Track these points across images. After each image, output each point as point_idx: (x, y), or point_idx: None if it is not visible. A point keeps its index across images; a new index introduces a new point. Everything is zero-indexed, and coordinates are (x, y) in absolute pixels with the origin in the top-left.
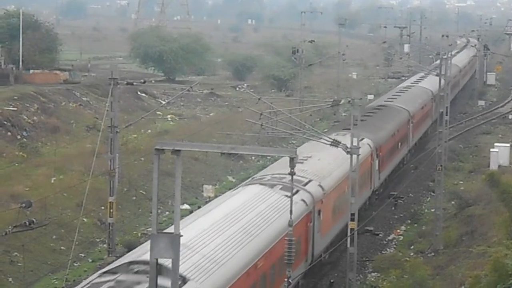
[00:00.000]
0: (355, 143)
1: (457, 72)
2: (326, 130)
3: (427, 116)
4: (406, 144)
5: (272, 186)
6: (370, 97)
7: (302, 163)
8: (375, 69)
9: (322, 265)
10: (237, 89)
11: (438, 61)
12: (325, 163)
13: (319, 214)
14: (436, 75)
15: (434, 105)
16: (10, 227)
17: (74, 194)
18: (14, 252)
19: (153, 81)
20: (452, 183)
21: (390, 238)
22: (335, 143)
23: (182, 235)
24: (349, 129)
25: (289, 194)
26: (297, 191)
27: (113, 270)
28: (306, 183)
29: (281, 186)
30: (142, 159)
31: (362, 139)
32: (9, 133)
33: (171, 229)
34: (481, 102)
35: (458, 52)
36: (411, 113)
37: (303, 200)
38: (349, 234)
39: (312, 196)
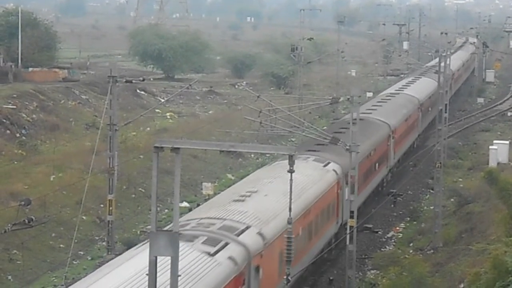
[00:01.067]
0: (353, 143)
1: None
2: (325, 127)
3: (412, 128)
4: (385, 164)
5: (191, 239)
6: (369, 94)
7: (242, 200)
8: (374, 66)
9: (322, 261)
10: (236, 86)
11: (431, 63)
12: (272, 200)
13: (257, 271)
14: (435, 73)
15: (420, 115)
16: (9, 225)
17: (73, 192)
18: (14, 250)
19: (152, 79)
20: (451, 181)
21: (389, 235)
22: (335, 141)
23: (181, 233)
24: (315, 150)
25: (211, 250)
26: (223, 246)
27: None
28: (240, 233)
29: (204, 239)
30: (141, 157)
31: (327, 163)
32: (8, 131)
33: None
34: (480, 100)
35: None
36: (392, 127)
37: (231, 258)
38: (348, 231)
39: (247, 250)
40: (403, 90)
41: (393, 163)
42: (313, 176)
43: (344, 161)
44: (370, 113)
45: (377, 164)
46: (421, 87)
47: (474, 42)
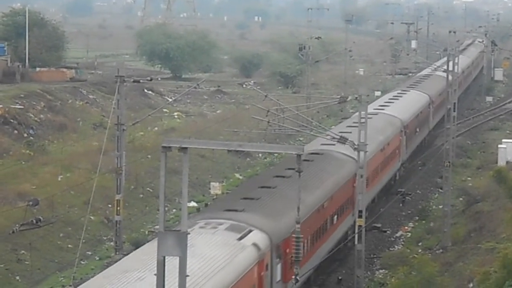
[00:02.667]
0: (362, 140)
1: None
2: (333, 127)
3: (392, 158)
4: (350, 211)
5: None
6: (378, 93)
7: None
8: (382, 65)
9: (331, 261)
10: (244, 86)
11: (421, 72)
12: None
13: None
14: (443, 71)
15: (404, 140)
16: (17, 225)
17: (81, 192)
18: (22, 250)
19: (159, 79)
20: (460, 180)
21: (398, 235)
22: (343, 140)
23: (189, 233)
24: (234, 209)
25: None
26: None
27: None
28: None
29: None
30: (149, 156)
31: (248, 232)
32: (15, 131)
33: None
34: (489, 98)
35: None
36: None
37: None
38: (356, 231)
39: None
40: (382, 110)
41: (364, 205)
42: (219, 259)
43: (280, 226)
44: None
45: (336, 216)
46: (406, 104)
47: (483, 41)
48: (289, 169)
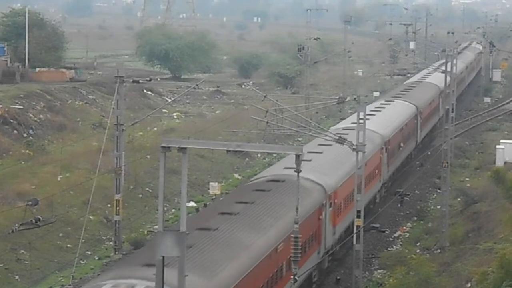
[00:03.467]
0: (361, 140)
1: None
2: (332, 127)
3: (371, 180)
4: (315, 248)
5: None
6: (376, 94)
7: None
8: (380, 66)
9: (329, 261)
10: (243, 86)
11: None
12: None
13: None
14: (442, 72)
15: (385, 158)
16: (16, 225)
17: (81, 192)
18: (21, 250)
19: (159, 79)
20: (458, 180)
21: (396, 235)
22: (341, 141)
23: (188, 233)
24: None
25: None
26: None
27: None
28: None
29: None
30: (148, 156)
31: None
32: (15, 131)
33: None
34: (487, 99)
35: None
36: (328, 190)
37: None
38: (355, 231)
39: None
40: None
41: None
42: None
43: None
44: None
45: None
46: (389, 117)
47: (481, 42)
48: (239, 202)
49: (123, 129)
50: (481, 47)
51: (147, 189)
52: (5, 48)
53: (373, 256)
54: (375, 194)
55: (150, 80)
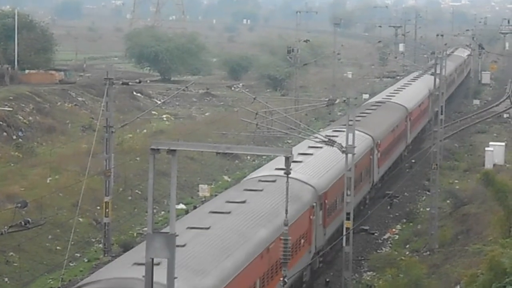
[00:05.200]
0: (350, 142)
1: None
2: (321, 129)
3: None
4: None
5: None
6: (365, 96)
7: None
8: (370, 68)
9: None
10: (233, 88)
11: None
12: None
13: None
14: (431, 74)
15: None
16: (5, 227)
17: (70, 194)
18: (10, 252)
19: (148, 81)
20: (447, 182)
21: (385, 237)
22: (331, 143)
23: (177, 235)
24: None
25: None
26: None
27: None
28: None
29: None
30: (138, 159)
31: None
32: (4, 133)
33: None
34: (476, 101)
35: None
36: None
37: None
38: (344, 233)
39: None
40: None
41: None
42: None
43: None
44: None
45: None
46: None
47: (470, 44)
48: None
49: (112, 131)
50: (466, 53)
51: (136, 191)
52: None
53: (362, 258)
54: (365, 195)
55: (140, 82)
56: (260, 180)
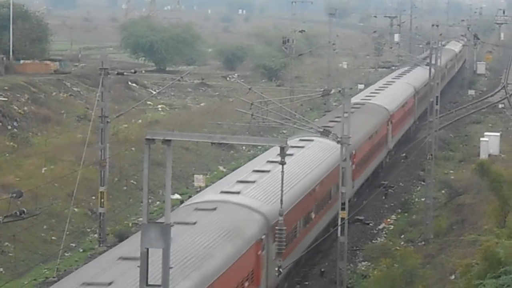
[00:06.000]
0: (345, 133)
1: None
2: (316, 119)
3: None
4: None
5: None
6: (361, 86)
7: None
8: (365, 58)
9: (314, 253)
10: (228, 79)
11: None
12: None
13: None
14: (426, 65)
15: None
16: (0, 217)
17: (65, 184)
18: (5, 242)
19: (143, 71)
20: (442, 172)
21: (380, 227)
22: (326, 133)
23: (173, 225)
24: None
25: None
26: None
27: None
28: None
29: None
30: (133, 149)
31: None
32: None
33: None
34: (471, 92)
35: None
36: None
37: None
38: (339, 223)
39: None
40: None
41: None
42: None
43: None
44: None
45: None
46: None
47: (464, 34)
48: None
49: (107, 121)
50: (458, 47)
51: (131, 181)
52: None
53: (357, 248)
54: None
55: (135, 72)
56: (197, 209)
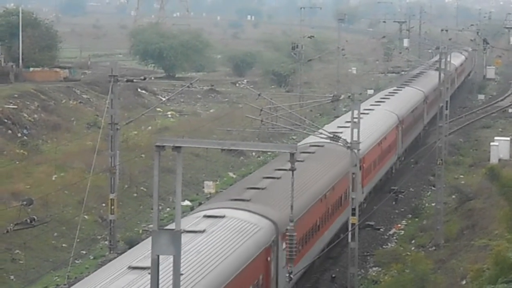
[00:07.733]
0: (355, 138)
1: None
2: (325, 125)
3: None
4: None
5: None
6: (370, 92)
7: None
8: (374, 64)
9: (325, 259)
10: (237, 85)
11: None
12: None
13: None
14: (436, 69)
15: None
16: (11, 224)
17: (75, 192)
18: (16, 249)
19: (153, 78)
20: (452, 177)
21: (391, 232)
22: (335, 138)
23: (183, 231)
24: None
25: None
26: None
27: None
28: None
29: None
30: (143, 156)
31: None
32: (9, 131)
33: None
34: (481, 96)
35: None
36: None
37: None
38: (350, 229)
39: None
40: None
41: None
42: None
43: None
44: None
45: None
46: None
47: (475, 39)
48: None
49: (117, 128)
50: (461, 59)
51: (141, 188)
52: None
53: (368, 253)
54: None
55: (144, 79)
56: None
